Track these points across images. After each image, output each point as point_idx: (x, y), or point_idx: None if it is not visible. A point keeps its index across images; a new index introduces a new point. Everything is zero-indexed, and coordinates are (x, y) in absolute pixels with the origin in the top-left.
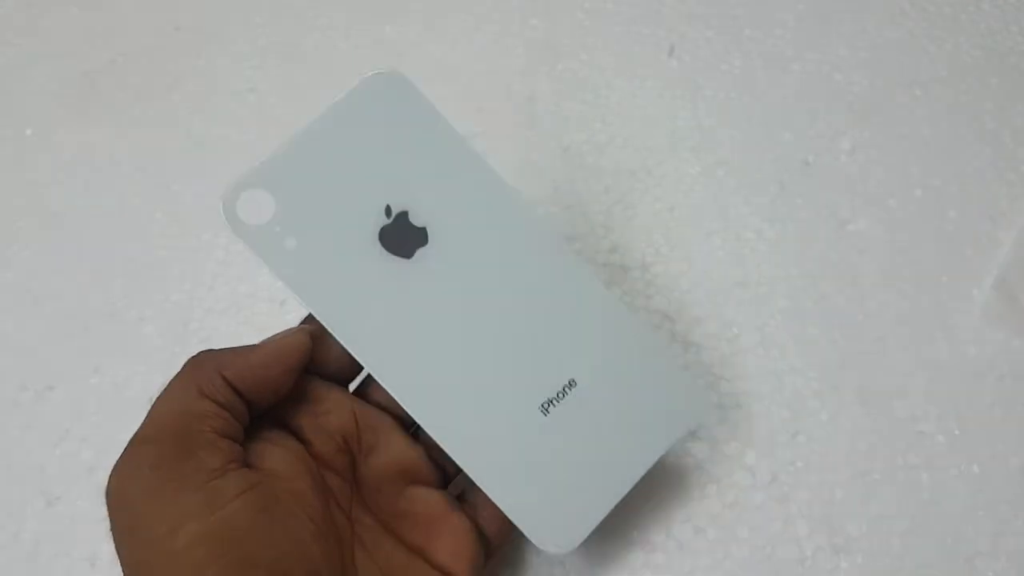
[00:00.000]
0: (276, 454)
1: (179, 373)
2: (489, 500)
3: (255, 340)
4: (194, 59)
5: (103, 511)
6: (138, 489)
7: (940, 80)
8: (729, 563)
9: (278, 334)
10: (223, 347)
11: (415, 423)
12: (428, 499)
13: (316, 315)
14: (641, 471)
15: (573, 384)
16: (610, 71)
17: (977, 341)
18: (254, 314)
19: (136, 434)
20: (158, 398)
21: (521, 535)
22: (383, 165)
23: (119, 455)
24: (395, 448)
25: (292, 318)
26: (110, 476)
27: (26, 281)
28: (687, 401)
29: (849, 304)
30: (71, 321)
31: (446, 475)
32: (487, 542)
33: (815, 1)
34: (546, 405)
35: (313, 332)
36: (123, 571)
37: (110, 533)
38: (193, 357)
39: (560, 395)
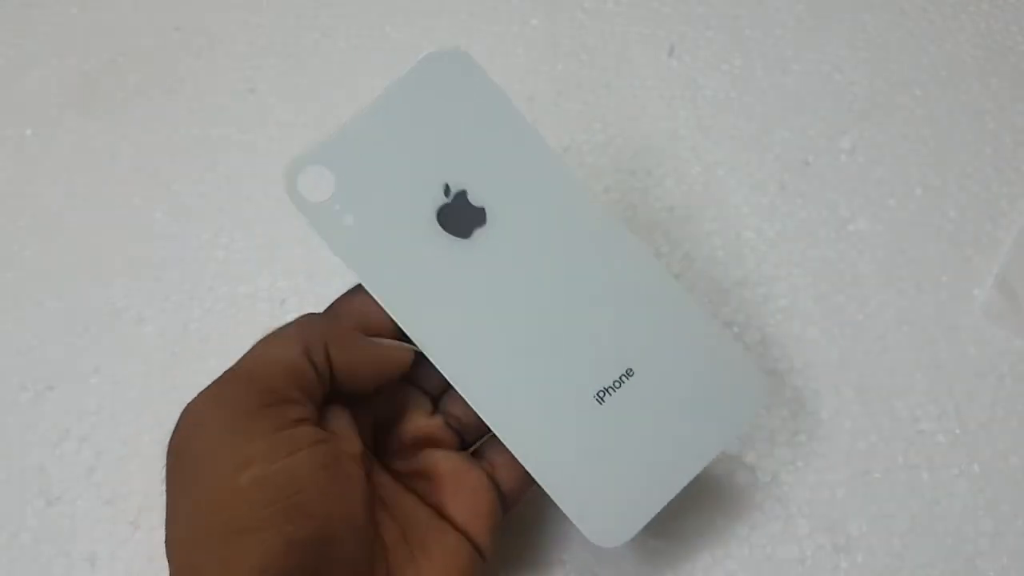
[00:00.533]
0: (339, 417)
1: (293, 325)
2: (504, 455)
3: (255, 341)
4: (194, 59)
5: (103, 511)
6: (220, 421)
7: (940, 80)
8: (729, 562)
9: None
10: (341, 320)
11: (439, 394)
12: (446, 458)
13: (372, 293)
14: (699, 466)
15: (631, 373)
16: (610, 71)
17: (977, 341)
18: (254, 314)
19: (235, 368)
20: (265, 341)
21: (535, 497)
22: (443, 144)
23: (214, 381)
24: (416, 417)
25: (293, 319)
26: (197, 398)
27: (26, 281)
28: (748, 391)
29: (849, 304)
30: (71, 321)
31: (464, 442)
32: (503, 498)
33: (815, 1)
34: (601, 394)
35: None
36: (171, 498)
37: (166, 454)
38: (311, 316)
39: (616, 384)
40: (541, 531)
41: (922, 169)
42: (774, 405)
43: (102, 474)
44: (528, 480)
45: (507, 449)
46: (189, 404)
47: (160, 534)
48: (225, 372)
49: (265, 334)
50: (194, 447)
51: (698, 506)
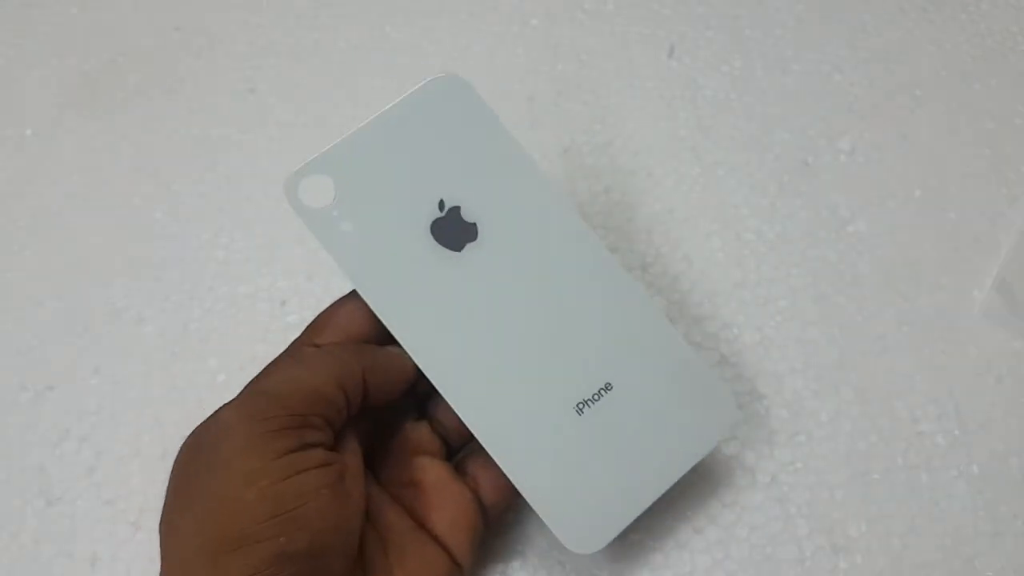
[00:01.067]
0: (348, 436)
1: (332, 353)
2: (488, 470)
3: (255, 341)
4: (194, 59)
5: (104, 511)
6: (241, 436)
7: (940, 80)
8: (729, 563)
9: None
10: (324, 334)
11: (423, 397)
12: (431, 468)
13: (364, 297)
14: (671, 480)
15: (609, 387)
16: (610, 71)
17: (977, 341)
18: (254, 314)
19: (267, 386)
20: (304, 362)
21: (520, 514)
22: (440, 162)
23: (242, 394)
24: (403, 423)
25: (293, 319)
26: (225, 409)
27: (26, 281)
28: (720, 414)
29: (849, 304)
30: (71, 321)
31: (450, 449)
32: (485, 513)
33: (815, 1)
34: (581, 405)
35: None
36: (177, 498)
37: (182, 451)
38: (348, 344)
39: (595, 397)
40: (540, 534)
41: (922, 169)
42: (774, 406)
43: (102, 474)
44: (510, 496)
45: (491, 464)
46: (217, 412)
47: None
48: (257, 387)
49: (304, 353)
50: (213, 456)
51: (698, 507)
